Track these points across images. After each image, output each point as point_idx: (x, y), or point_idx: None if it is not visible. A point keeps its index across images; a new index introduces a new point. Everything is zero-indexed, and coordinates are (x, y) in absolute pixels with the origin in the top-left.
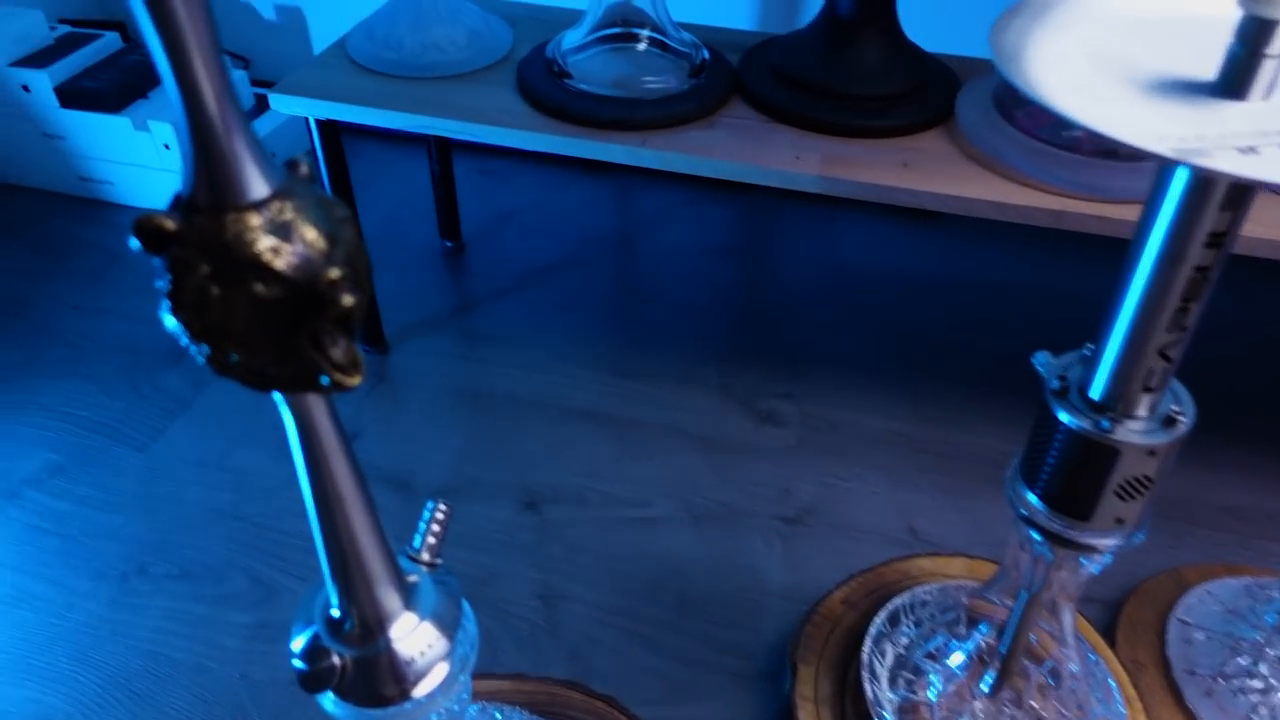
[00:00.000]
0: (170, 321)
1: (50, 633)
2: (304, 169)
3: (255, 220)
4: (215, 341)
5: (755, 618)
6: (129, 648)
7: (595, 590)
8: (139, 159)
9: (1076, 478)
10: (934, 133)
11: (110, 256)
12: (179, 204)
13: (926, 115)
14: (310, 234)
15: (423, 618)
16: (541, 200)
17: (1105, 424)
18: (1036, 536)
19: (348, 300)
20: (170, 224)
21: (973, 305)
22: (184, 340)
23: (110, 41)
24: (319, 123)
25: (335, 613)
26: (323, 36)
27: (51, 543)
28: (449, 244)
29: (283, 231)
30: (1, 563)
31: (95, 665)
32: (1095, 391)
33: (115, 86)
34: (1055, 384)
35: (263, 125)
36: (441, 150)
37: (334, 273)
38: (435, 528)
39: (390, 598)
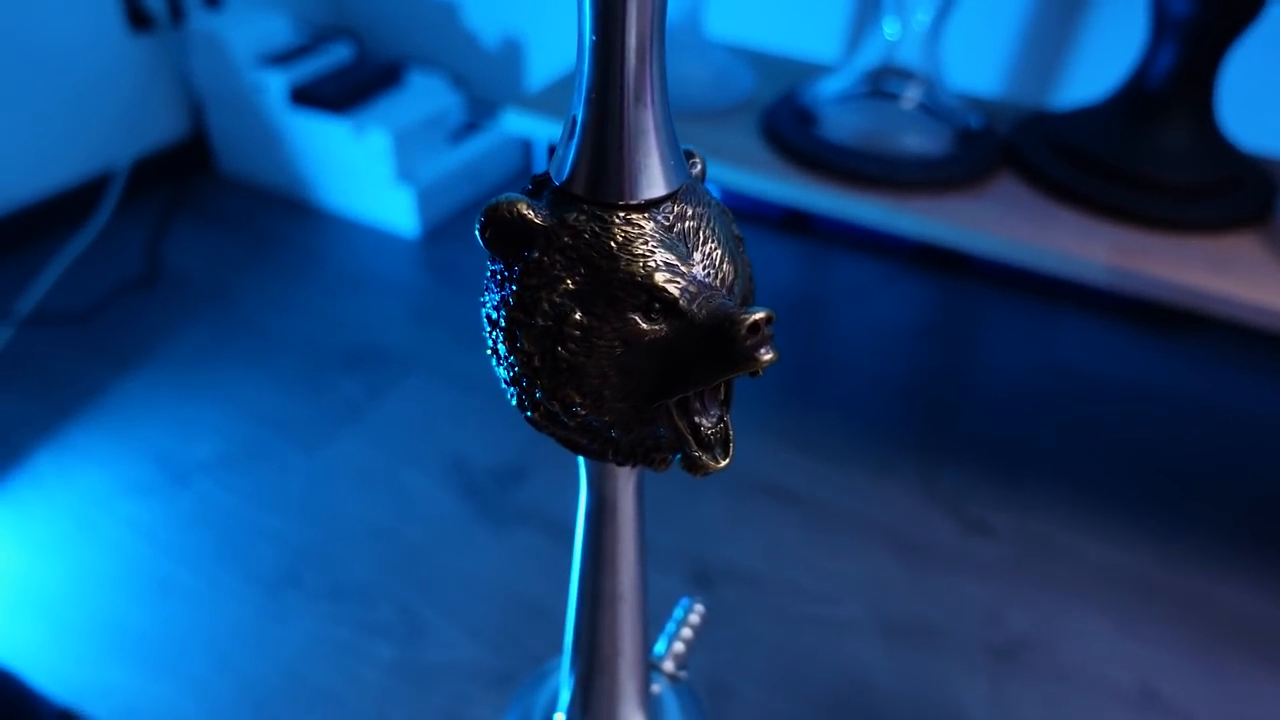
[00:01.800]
0: (502, 348)
1: (195, 631)
2: (699, 164)
3: (650, 225)
4: (557, 385)
5: None
6: (270, 663)
7: (769, 691)
8: (353, 165)
9: None
10: (1249, 235)
11: (308, 256)
12: (546, 191)
13: (1240, 213)
14: (716, 252)
15: None
16: None
17: None
18: None
19: (768, 358)
20: (538, 217)
21: (1222, 433)
22: (504, 375)
23: (344, 51)
24: (550, 148)
25: (561, 717)
26: (541, 67)
27: (210, 535)
28: None
29: (680, 246)
30: (161, 547)
31: (233, 676)
32: None
33: (342, 93)
34: None
35: (470, 148)
36: None
37: (757, 315)
38: (687, 632)
39: (633, 717)
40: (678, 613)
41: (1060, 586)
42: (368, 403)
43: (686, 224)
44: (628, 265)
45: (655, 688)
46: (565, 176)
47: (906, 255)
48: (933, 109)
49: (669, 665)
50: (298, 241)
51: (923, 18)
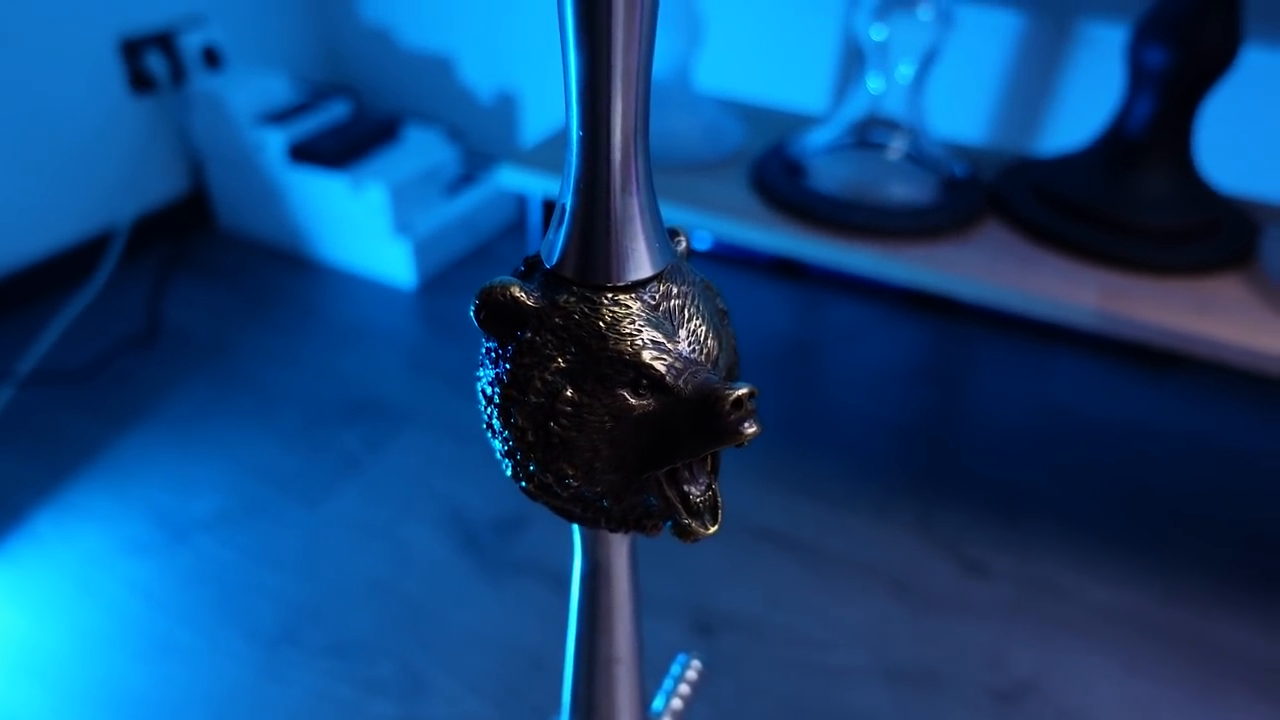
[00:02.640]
0: (497, 423)
1: (194, 691)
2: (684, 243)
3: (637, 305)
4: (549, 458)
5: None
6: None
7: None
8: (350, 219)
9: None
10: (1232, 277)
11: (307, 310)
12: (537, 274)
13: (1222, 256)
14: (701, 329)
15: None
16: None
17: None
18: None
19: (751, 432)
20: (530, 299)
21: (1219, 470)
22: (500, 448)
23: (342, 107)
24: (544, 202)
25: None
26: (535, 120)
27: (210, 593)
28: None
29: (667, 324)
30: (160, 606)
31: None
32: None
33: (340, 149)
34: None
35: (466, 200)
36: None
37: (740, 391)
38: (684, 689)
39: None
40: (675, 669)
41: (1061, 627)
42: (367, 456)
43: (672, 302)
44: (616, 344)
45: None
46: (555, 260)
47: (898, 298)
48: (918, 158)
49: None
50: (297, 295)
51: (905, 70)
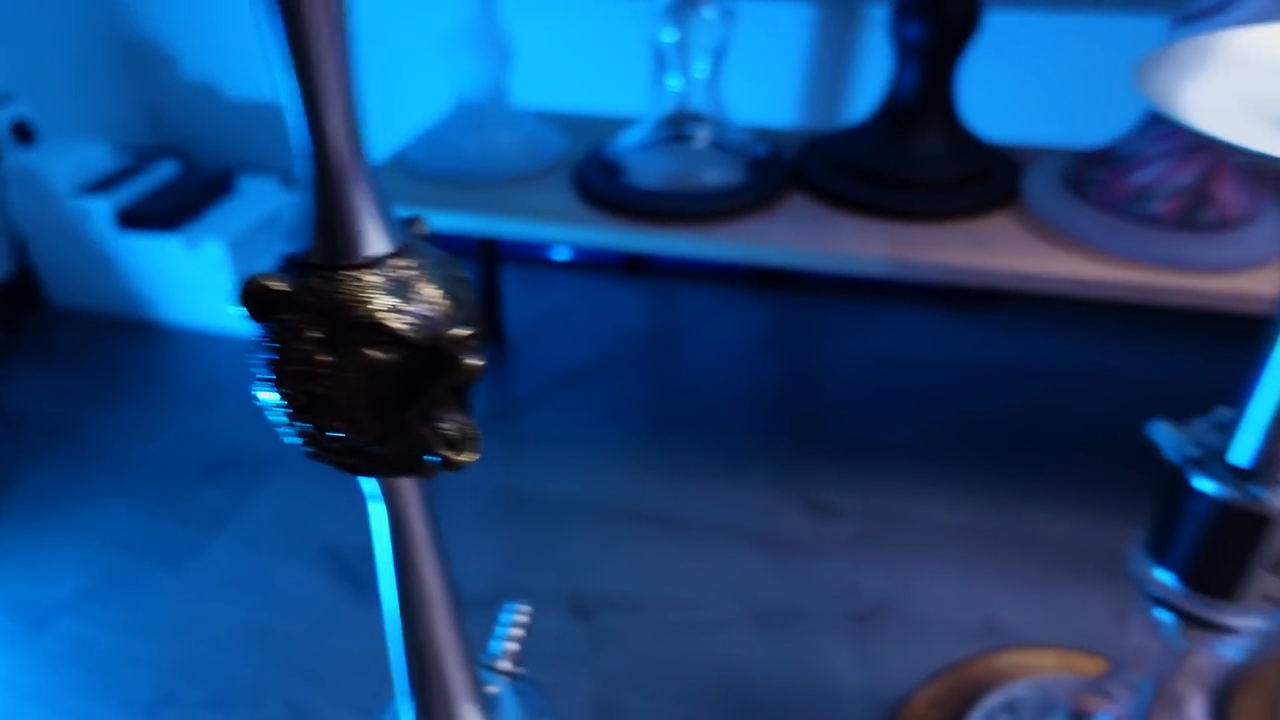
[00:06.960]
0: (271, 397)
1: None
2: (421, 226)
3: (373, 278)
4: (318, 417)
5: None
6: None
7: (656, 700)
8: (189, 278)
9: (1219, 552)
10: (1001, 215)
11: (154, 376)
12: (290, 264)
13: (992, 198)
14: (432, 292)
15: None
16: (583, 305)
17: (1257, 491)
18: (1168, 619)
19: (472, 362)
20: (280, 285)
21: (1032, 392)
22: (281, 419)
23: (170, 167)
24: None
25: None
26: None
27: (76, 673)
28: (491, 349)
29: (402, 290)
30: (24, 695)
31: None
32: (1240, 458)
33: (172, 209)
34: (1194, 452)
35: None
36: (489, 256)
37: (459, 332)
38: (516, 632)
39: (471, 716)
40: (503, 617)
41: (906, 550)
42: (234, 509)
43: (407, 273)
44: (355, 311)
45: (493, 688)
46: (304, 249)
47: (741, 279)
48: (723, 145)
49: (505, 665)
50: (143, 362)
51: (702, 67)
